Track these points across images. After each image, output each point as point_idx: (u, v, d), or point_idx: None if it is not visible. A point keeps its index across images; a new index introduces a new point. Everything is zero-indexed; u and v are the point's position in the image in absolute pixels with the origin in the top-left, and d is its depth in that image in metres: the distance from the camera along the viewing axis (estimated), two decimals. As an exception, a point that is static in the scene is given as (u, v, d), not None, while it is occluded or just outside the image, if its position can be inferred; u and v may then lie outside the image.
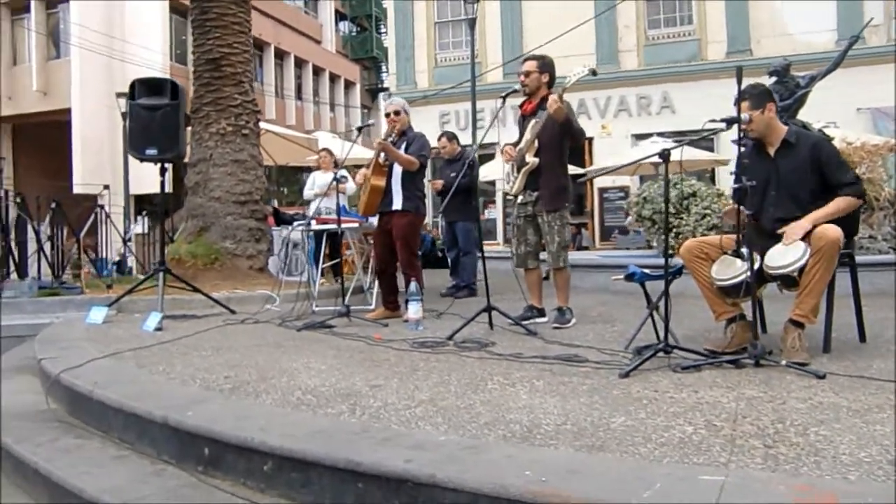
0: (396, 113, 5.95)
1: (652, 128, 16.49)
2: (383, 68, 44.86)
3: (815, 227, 3.43)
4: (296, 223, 7.74)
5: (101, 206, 10.22)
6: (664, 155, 3.64)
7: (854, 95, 14.20)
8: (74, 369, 3.77)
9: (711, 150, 16.03)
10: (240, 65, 9.30)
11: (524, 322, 4.83)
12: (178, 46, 25.90)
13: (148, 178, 20.73)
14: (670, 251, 9.32)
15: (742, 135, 3.78)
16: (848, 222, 3.59)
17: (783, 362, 3.28)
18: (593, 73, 4.68)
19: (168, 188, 6.63)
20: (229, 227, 8.96)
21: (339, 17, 42.04)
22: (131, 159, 7.62)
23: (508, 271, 5.52)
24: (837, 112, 12.84)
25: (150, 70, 22.40)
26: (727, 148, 13.84)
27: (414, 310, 5.21)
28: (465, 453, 2.13)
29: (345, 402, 2.89)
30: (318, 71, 35.42)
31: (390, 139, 5.71)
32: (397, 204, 5.77)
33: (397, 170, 5.78)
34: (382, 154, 5.74)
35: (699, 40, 17.21)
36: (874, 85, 14.60)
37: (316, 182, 9.38)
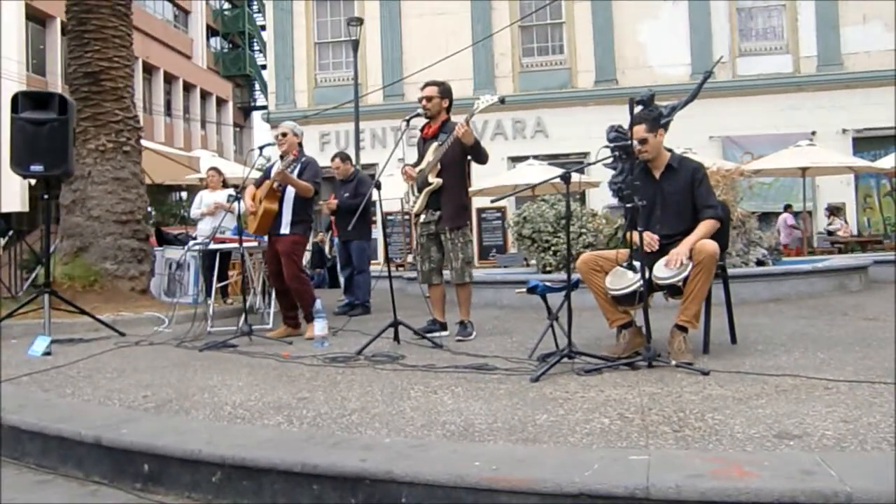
0: (284, 135, 6.06)
1: (527, 151, 17.27)
2: (256, 86, 44.09)
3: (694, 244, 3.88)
4: (192, 242, 7.57)
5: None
6: (566, 177, 3.96)
7: (707, 124, 15.58)
8: (-31, 397, 3.59)
9: (582, 172, 16.99)
10: (121, 79, 9.01)
11: (430, 335, 5.03)
12: (34, 56, 24.43)
13: (4, 195, 19.37)
14: (549, 269, 9.84)
15: (632, 157, 4.20)
16: (722, 238, 4.07)
17: (672, 363, 3.68)
18: (502, 101, 5.01)
19: (23, 207, 6.35)
20: (110, 247, 8.62)
21: (211, 32, 40.95)
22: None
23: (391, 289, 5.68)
24: (694, 139, 14.05)
25: (6, 80, 20.99)
26: (597, 171, 14.79)
27: (319, 326, 5.28)
28: (414, 451, 2.31)
29: (279, 414, 2.98)
30: (188, 87, 34.34)
31: (289, 169, 5.77)
32: (285, 228, 5.86)
33: (289, 194, 5.86)
34: (273, 179, 5.81)
35: (570, 69, 18.26)
36: (723, 116, 16.09)
37: (203, 201, 9.18)
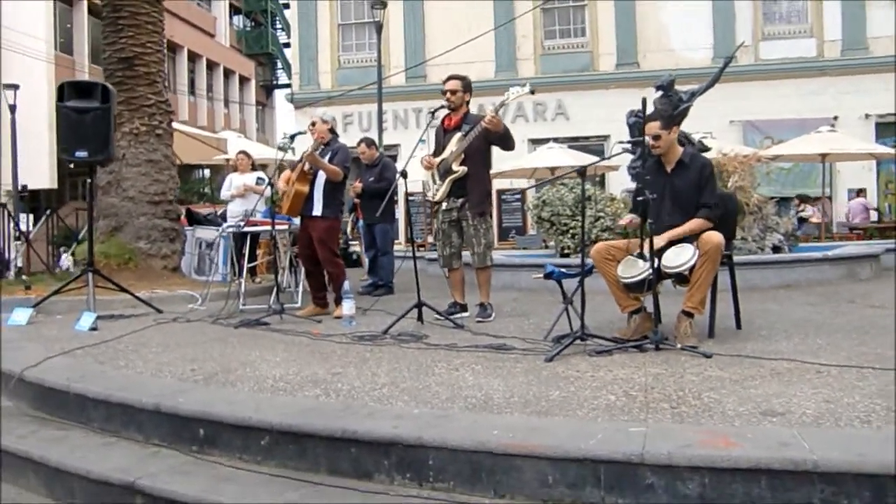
0: (313, 124, 6.34)
1: (547, 133, 17.42)
2: (278, 64, 44.30)
3: (701, 232, 4.14)
4: (225, 225, 7.90)
5: (3, 205, 9.94)
6: (581, 172, 4.21)
7: (728, 109, 15.61)
8: (34, 367, 3.96)
9: (603, 154, 17.15)
10: (153, 64, 9.33)
11: (451, 316, 5.33)
12: (62, 35, 24.82)
13: (31, 173, 19.87)
14: (566, 251, 10.05)
15: (646, 150, 4.44)
16: (728, 229, 4.32)
17: (678, 346, 3.96)
18: (532, 92, 5.28)
19: (52, 184, 6.71)
20: (143, 227, 8.98)
21: (234, 10, 41.11)
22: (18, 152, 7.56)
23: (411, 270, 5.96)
24: (714, 123, 14.13)
25: (35, 59, 21.43)
26: (618, 155, 14.93)
27: (347, 306, 5.60)
28: (439, 421, 2.62)
29: (316, 388, 3.30)
30: (212, 66, 34.62)
31: (318, 151, 6.06)
32: (317, 210, 6.14)
33: (320, 178, 6.14)
34: (303, 161, 6.10)
35: (591, 52, 18.33)
36: (744, 100, 16.10)
37: (233, 183, 9.52)
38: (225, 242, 10.11)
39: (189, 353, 4.36)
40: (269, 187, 9.67)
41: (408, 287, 7.10)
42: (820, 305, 5.86)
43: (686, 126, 10.02)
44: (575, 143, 17.22)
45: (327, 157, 6.13)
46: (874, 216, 14.75)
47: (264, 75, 44.14)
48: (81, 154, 6.26)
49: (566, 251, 9.68)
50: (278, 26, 43.85)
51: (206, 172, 31.12)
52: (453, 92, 5.57)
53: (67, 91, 6.31)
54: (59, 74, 22.56)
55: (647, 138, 4.31)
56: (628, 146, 4.22)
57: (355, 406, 2.87)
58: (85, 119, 6.21)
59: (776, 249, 8.54)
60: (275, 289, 6.64)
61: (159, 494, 2.58)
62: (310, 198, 6.12)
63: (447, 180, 5.47)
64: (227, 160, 15.33)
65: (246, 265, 7.66)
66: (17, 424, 3.51)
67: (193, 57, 32.43)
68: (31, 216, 16.52)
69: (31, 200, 18.53)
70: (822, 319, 5.07)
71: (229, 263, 9.98)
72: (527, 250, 14.54)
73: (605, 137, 17.74)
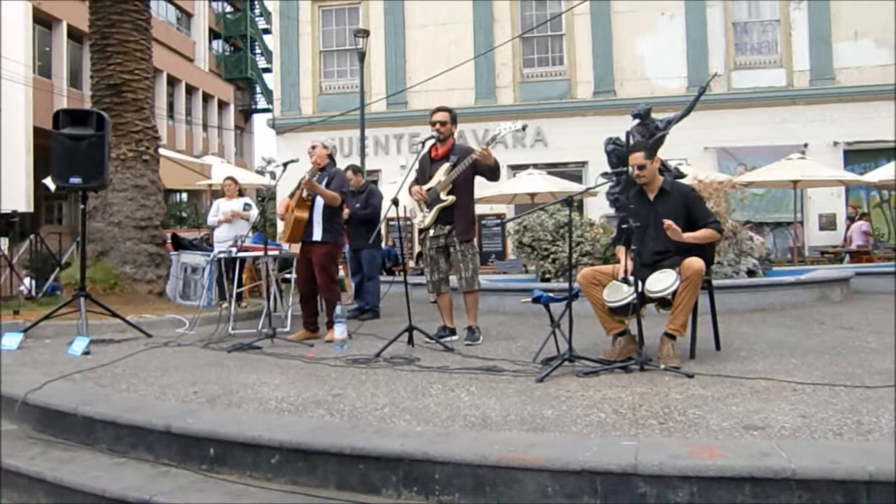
0: (313, 147, 6.51)
1: (526, 160, 17.72)
2: (257, 89, 44.53)
3: (685, 257, 4.36)
4: (217, 251, 8.00)
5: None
6: (568, 201, 4.42)
7: (702, 136, 16.06)
8: (36, 391, 4.04)
9: (581, 181, 17.54)
10: (141, 91, 9.48)
11: (441, 340, 5.49)
12: (40, 58, 24.80)
13: (7, 196, 19.75)
14: (547, 276, 10.23)
15: (628, 179, 4.68)
16: (707, 255, 4.55)
17: (662, 366, 4.16)
18: (523, 128, 5.51)
19: (28, 207, 6.83)
20: (129, 251, 9.05)
21: (213, 35, 41.33)
22: None
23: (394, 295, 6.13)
24: (689, 150, 14.56)
25: (11, 82, 21.38)
26: (594, 181, 15.27)
27: (339, 331, 5.74)
28: (442, 438, 2.77)
29: (320, 408, 3.44)
30: (191, 90, 34.71)
31: (315, 178, 6.22)
32: (317, 235, 6.28)
33: (319, 203, 6.29)
34: (301, 189, 6.25)
35: (569, 80, 18.75)
36: (718, 127, 16.58)
37: (220, 209, 9.64)
38: (210, 267, 10.21)
39: (188, 377, 4.47)
40: (251, 209, 9.84)
41: (393, 311, 7.27)
42: (794, 327, 6.11)
43: (662, 153, 10.31)
44: (554, 169, 17.54)
45: (324, 183, 6.29)
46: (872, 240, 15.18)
47: (243, 100, 44.30)
48: (75, 180, 6.37)
49: (547, 276, 9.86)
50: (257, 51, 44.18)
51: (184, 196, 31.07)
52: (442, 123, 5.78)
53: (63, 118, 6.44)
54: (37, 98, 22.57)
55: (632, 168, 4.54)
56: (612, 177, 4.41)
57: (361, 425, 3.02)
58: (80, 146, 6.34)
59: (751, 273, 8.82)
60: (265, 313, 6.75)
61: (176, 511, 2.70)
62: (309, 223, 6.25)
63: (435, 208, 5.65)
64: (209, 185, 15.45)
65: (234, 290, 7.76)
66: (25, 446, 3.59)
67: (172, 81, 32.51)
68: (6, 240, 16.40)
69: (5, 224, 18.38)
70: (795, 341, 5.31)
71: (214, 288, 10.09)
72: (507, 275, 14.74)
73: (583, 164, 18.14)
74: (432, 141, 5.82)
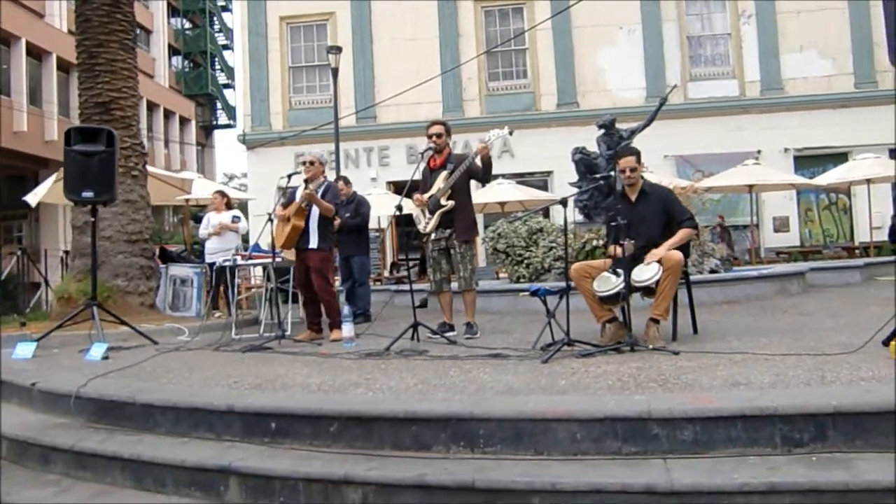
0: (311, 163, 6.91)
1: (495, 170, 18.17)
2: (218, 105, 44.54)
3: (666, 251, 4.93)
4: (221, 259, 8.33)
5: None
6: (563, 202, 4.96)
7: (661, 145, 16.83)
8: (85, 387, 4.40)
9: (546, 189, 18.24)
10: (129, 108, 9.75)
11: (446, 335, 5.98)
12: (-2, 76, 24.61)
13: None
14: (521, 280, 10.60)
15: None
16: (685, 249, 5.14)
17: (649, 346, 4.71)
18: (510, 133, 6.06)
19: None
20: (121, 265, 9.30)
21: (172, 51, 41.23)
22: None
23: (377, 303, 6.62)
24: (649, 158, 15.09)
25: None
26: (562, 190, 15.92)
27: (347, 329, 6.19)
28: (480, 402, 3.27)
29: (359, 388, 3.90)
30: (151, 106, 34.60)
31: (311, 188, 6.65)
32: (313, 243, 6.72)
33: (314, 213, 6.73)
34: (301, 199, 6.68)
35: (533, 93, 19.47)
36: (676, 136, 17.40)
37: (210, 222, 9.97)
38: (199, 279, 10.55)
39: (221, 372, 4.86)
40: (240, 221, 10.20)
41: (382, 315, 7.79)
42: (759, 315, 6.76)
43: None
44: (521, 178, 18.18)
45: (319, 194, 6.72)
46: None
47: (203, 116, 44.19)
48: (88, 195, 6.70)
49: (521, 280, 10.31)
50: (217, 67, 44.20)
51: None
52: (439, 136, 6.30)
53: (74, 135, 6.76)
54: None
55: (623, 170, 5.12)
56: (601, 182, 4.97)
57: (404, 397, 3.49)
58: (91, 162, 6.67)
59: (713, 273, 9.49)
60: (272, 318, 7.15)
61: (254, 472, 3.14)
62: (305, 231, 6.69)
63: (437, 213, 6.15)
64: (186, 200, 15.68)
65: (235, 298, 8.14)
66: (88, 434, 3.97)
67: (135, 98, 32.28)
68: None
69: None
70: (763, 325, 5.94)
71: (203, 298, 10.43)
72: (480, 281, 15.26)
73: (549, 173, 18.84)
74: (430, 152, 6.31)
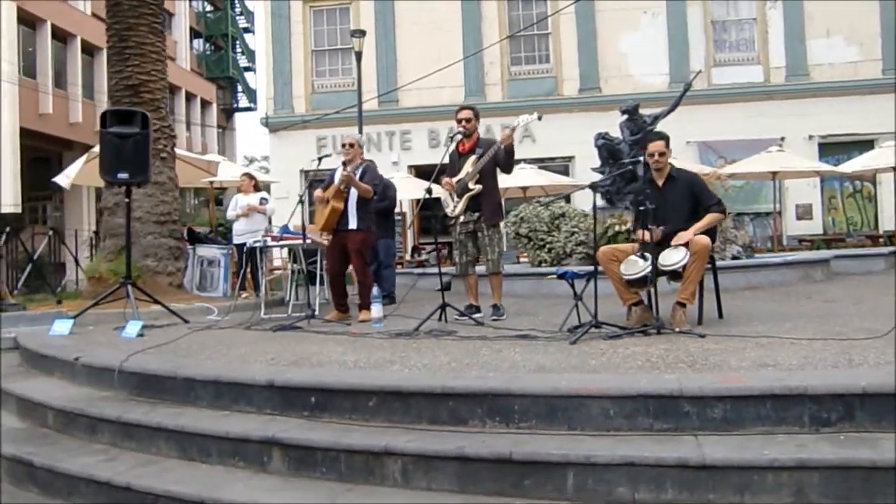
0: (351, 145, 6.98)
1: (516, 155, 18.23)
2: (238, 88, 44.75)
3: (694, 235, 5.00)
4: (252, 240, 8.48)
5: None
6: (593, 187, 5.03)
7: (684, 131, 16.74)
8: (126, 362, 4.56)
9: (568, 174, 18.24)
10: (158, 91, 9.91)
11: (473, 316, 6.09)
12: (24, 59, 24.91)
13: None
14: (543, 264, 10.65)
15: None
16: (712, 233, 5.20)
17: (676, 329, 4.79)
18: (539, 118, 6.12)
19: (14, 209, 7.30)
20: (150, 245, 9.49)
21: (194, 34, 41.43)
22: None
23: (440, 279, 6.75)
24: (672, 144, 15.19)
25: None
26: (583, 175, 15.95)
27: (376, 310, 6.31)
28: (514, 379, 3.37)
29: (394, 365, 4.02)
30: (173, 89, 34.73)
31: (349, 170, 6.75)
32: (353, 224, 6.82)
33: (353, 195, 6.82)
34: (339, 181, 6.79)
35: (555, 77, 19.43)
36: (699, 122, 17.32)
37: (238, 203, 10.13)
38: (225, 260, 10.72)
39: (256, 349, 5.00)
40: (268, 202, 10.34)
41: (408, 298, 7.91)
42: (783, 301, 6.81)
43: (651, 147, 11.01)
44: (542, 163, 18.17)
45: (357, 175, 6.82)
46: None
47: (224, 99, 44.41)
48: (123, 176, 6.86)
49: (543, 264, 10.36)
50: (238, 50, 44.36)
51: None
52: (468, 120, 6.38)
53: (109, 118, 6.91)
54: (23, 98, 22.66)
55: (652, 154, 5.19)
56: (629, 167, 5.03)
57: (440, 373, 3.61)
58: (126, 144, 6.82)
59: (735, 259, 9.51)
60: (297, 298, 7.29)
61: (297, 443, 3.27)
62: (344, 213, 6.79)
63: (465, 197, 6.25)
64: (211, 183, 15.88)
65: (265, 279, 8.30)
66: (132, 406, 4.13)
67: (158, 81, 32.53)
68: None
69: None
70: (787, 311, 5.99)
71: (230, 280, 10.61)
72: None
73: (570, 158, 18.83)
74: (459, 136, 6.40)
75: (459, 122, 6.40)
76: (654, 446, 2.83)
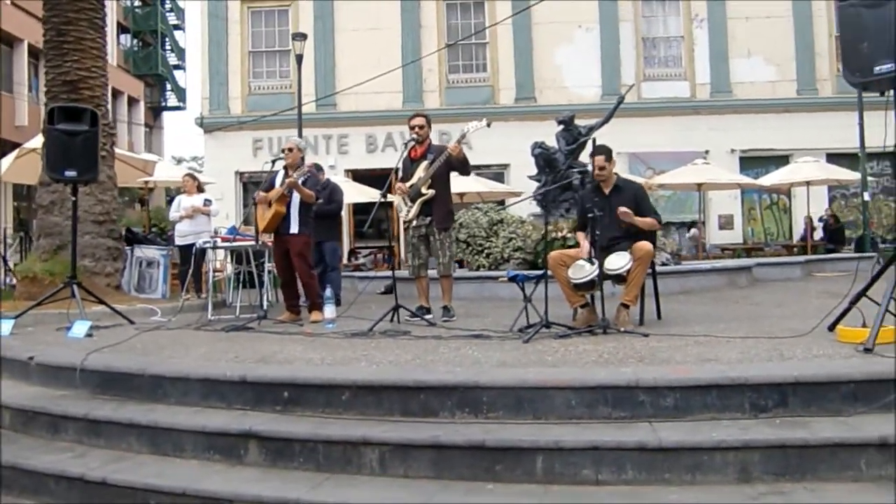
0: (290, 150, 7.10)
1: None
2: (167, 86, 43.63)
3: (636, 239, 5.35)
4: (201, 241, 8.44)
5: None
6: (542, 196, 5.31)
7: (615, 142, 17.18)
8: (86, 360, 4.56)
9: (503, 182, 18.68)
10: (97, 88, 9.71)
11: (425, 317, 6.29)
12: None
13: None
14: (481, 269, 10.84)
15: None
16: (652, 241, 5.57)
17: (621, 329, 5.12)
18: (488, 125, 6.37)
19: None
20: (88, 245, 9.28)
21: (121, 29, 40.21)
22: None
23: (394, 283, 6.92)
24: (605, 155, 15.85)
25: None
26: (519, 182, 16.38)
27: (329, 310, 6.45)
28: (481, 373, 3.60)
29: (360, 362, 4.18)
30: (100, 85, 33.74)
31: (294, 176, 6.86)
32: (294, 228, 6.93)
33: (295, 200, 6.93)
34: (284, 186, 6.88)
35: (492, 87, 19.86)
36: (629, 134, 17.88)
37: (181, 205, 10.03)
38: (165, 261, 10.60)
39: (217, 348, 5.07)
40: (211, 204, 10.29)
41: (352, 300, 8.07)
42: (714, 304, 7.29)
43: (584, 157, 11.43)
44: (478, 170, 18.45)
45: (300, 181, 6.93)
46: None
47: (153, 96, 43.23)
48: (70, 174, 6.75)
49: (481, 269, 10.59)
50: (168, 48, 43.28)
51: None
52: (421, 127, 6.60)
53: (57, 114, 6.80)
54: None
55: (594, 168, 5.51)
56: (578, 175, 5.33)
57: (408, 368, 3.80)
58: (75, 141, 6.73)
59: (664, 266, 10.01)
60: (242, 300, 7.35)
61: (275, 436, 3.40)
62: (286, 217, 6.89)
63: (417, 202, 6.45)
64: (146, 183, 15.59)
65: (211, 280, 8.27)
66: (99, 404, 4.15)
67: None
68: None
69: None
70: (719, 313, 6.45)
71: (169, 280, 10.50)
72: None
73: (506, 166, 19.27)
74: (412, 143, 6.60)
75: (413, 128, 6.61)
76: (614, 432, 3.11)
